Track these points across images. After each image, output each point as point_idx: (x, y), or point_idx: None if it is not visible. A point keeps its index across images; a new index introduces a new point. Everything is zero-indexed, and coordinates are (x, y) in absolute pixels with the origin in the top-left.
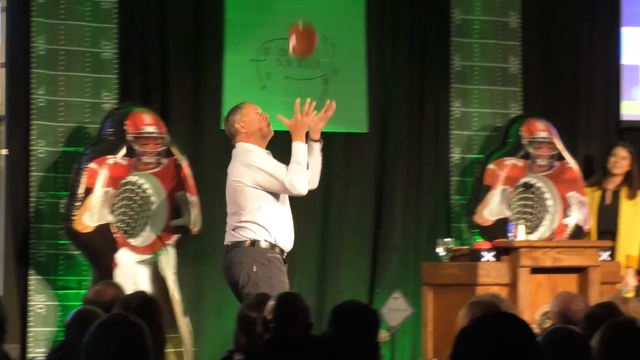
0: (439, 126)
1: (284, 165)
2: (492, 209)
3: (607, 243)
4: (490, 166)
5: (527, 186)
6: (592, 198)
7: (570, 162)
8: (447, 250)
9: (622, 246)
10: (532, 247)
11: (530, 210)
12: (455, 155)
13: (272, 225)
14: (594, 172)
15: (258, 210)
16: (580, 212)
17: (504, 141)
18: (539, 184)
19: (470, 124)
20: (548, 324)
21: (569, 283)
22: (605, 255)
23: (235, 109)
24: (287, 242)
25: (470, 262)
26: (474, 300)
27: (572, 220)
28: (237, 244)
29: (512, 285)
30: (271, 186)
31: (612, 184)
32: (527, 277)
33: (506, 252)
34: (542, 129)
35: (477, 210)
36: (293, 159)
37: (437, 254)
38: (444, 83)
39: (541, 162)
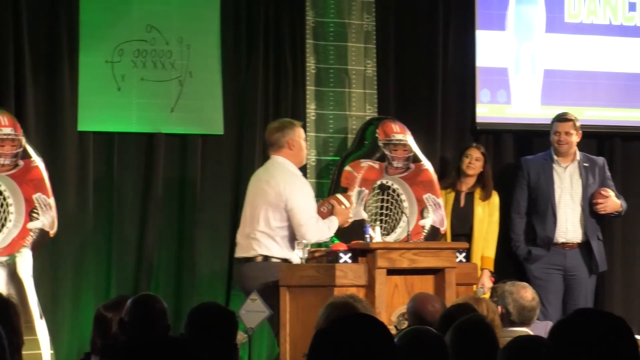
0: None
1: (314, 207)
2: None
3: (463, 245)
4: (347, 168)
5: (384, 188)
6: (445, 201)
7: (426, 164)
8: (304, 252)
9: (477, 248)
10: (388, 248)
11: (386, 212)
12: (312, 157)
13: (285, 241)
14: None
15: (276, 226)
16: (436, 213)
17: (360, 143)
18: (395, 186)
19: (326, 126)
20: (405, 325)
21: (426, 284)
22: (461, 257)
23: (291, 124)
24: (297, 258)
25: (327, 263)
26: (331, 301)
27: (428, 222)
28: (249, 259)
29: (369, 286)
30: (292, 218)
31: (465, 185)
32: (384, 278)
33: (363, 253)
34: (397, 131)
35: None
36: (329, 221)
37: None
38: (299, 85)
39: (397, 164)
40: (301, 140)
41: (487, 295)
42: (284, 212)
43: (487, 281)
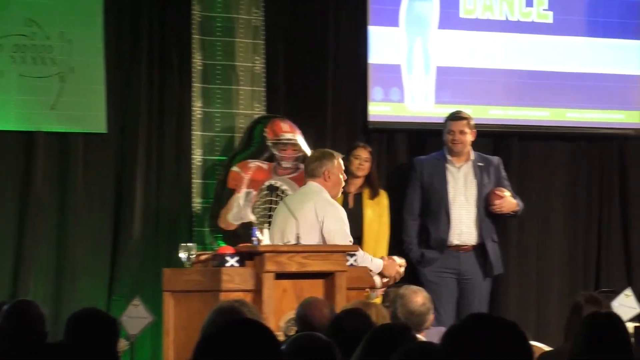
0: (180, 127)
1: (348, 231)
2: (235, 212)
3: (354, 247)
4: (234, 169)
5: (272, 189)
6: None
7: None
8: (189, 255)
9: (368, 250)
10: (276, 251)
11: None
12: (197, 157)
13: None
14: None
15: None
16: None
17: (248, 143)
18: (285, 187)
19: (212, 125)
20: (293, 331)
21: (315, 289)
22: (352, 260)
23: (331, 156)
24: None
25: (213, 267)
26: (217, 307)
27: None
28: None
29: (257, 291)
30: (330, 242)
31: (353, 186)
32: (272, 282)
33: (250, 257)
34: (287, 130)
35: (221, 214)
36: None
37: (179, 259)
38: (185, 82)
39: (286, 164)
40: (339, 173)
41: (379, 299)
42: (319, 233)
43: (379, 284)
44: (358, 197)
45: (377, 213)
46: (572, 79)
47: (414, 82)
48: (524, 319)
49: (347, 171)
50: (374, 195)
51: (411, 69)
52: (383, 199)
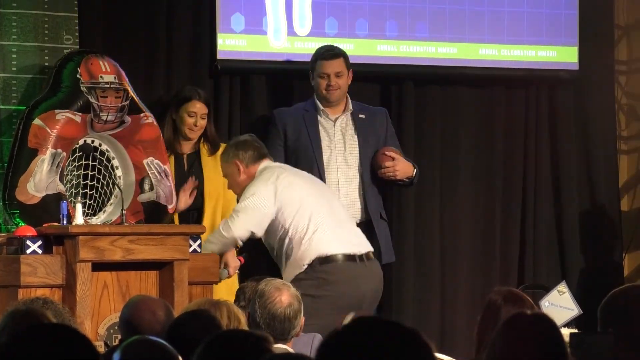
0: None
1: None
2: (39, 181)
3: (200, 229)
4: (37, 122)
5: (88, 150)
6: None
7: (149, 117)
8: None
9: (214, 222)
10: (95, 234)
11: (92, 183)
12: None
13: None
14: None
15: None
16: (162, 185)
17: (55, 87)
18: (105, 147)
19: (7, 63)
20: (117, 340)
21: (147, 283)
22: (195, 246)
23: None
24: None
25: (9, 255)
26: (12, 308)
27: (150, 197)
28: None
29: (68, 286)
30: None
31: (187, 146)
32: (89, 275)
33: (59, 241)
34: (107, 71)
35: (19, 183)
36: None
37: None
38: None
39: (107, 116)
40: None
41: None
42: None
43: (232, 259)
44: (194, 157)
45: (221, 174)
46: (486, 4)
47: (280, 5)
48: (424, 323)
49: (176, 131)
50: (213, 150)
51: None
52: None
